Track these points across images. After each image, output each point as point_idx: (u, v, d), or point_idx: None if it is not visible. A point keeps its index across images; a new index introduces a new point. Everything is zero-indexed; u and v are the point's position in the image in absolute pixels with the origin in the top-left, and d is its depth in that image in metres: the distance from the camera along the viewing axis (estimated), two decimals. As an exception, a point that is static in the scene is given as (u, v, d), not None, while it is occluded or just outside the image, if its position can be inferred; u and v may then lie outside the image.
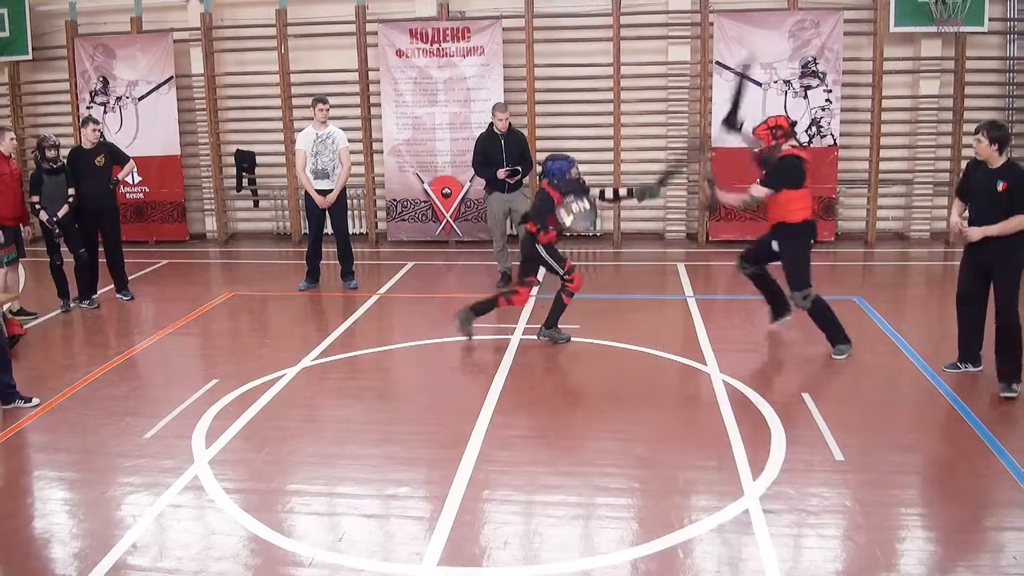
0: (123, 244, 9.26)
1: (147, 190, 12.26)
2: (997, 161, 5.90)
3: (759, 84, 10.94)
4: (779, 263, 6.99)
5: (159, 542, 4.36)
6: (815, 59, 10.90)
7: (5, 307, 7.62)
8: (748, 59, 10.39)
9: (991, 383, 6.09)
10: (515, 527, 4.49)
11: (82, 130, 8.88)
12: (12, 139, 8.36)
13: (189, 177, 12.54)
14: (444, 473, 4.98)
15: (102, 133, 9.08)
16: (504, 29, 11.33)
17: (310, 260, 9.44)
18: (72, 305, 8.78)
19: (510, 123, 9.24)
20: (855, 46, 11.11)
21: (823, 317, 6.87)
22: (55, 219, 8.42)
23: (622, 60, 11.22)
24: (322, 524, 4.59)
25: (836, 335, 6.88)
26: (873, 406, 5.94)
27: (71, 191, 8.52)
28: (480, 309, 7.36)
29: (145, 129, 12.12)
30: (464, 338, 7.36)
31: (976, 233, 5.95)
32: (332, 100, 9.49)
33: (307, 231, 9.68)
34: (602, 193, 7.38)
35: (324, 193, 9.13)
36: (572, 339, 7.36)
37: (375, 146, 11.90)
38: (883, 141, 11.20)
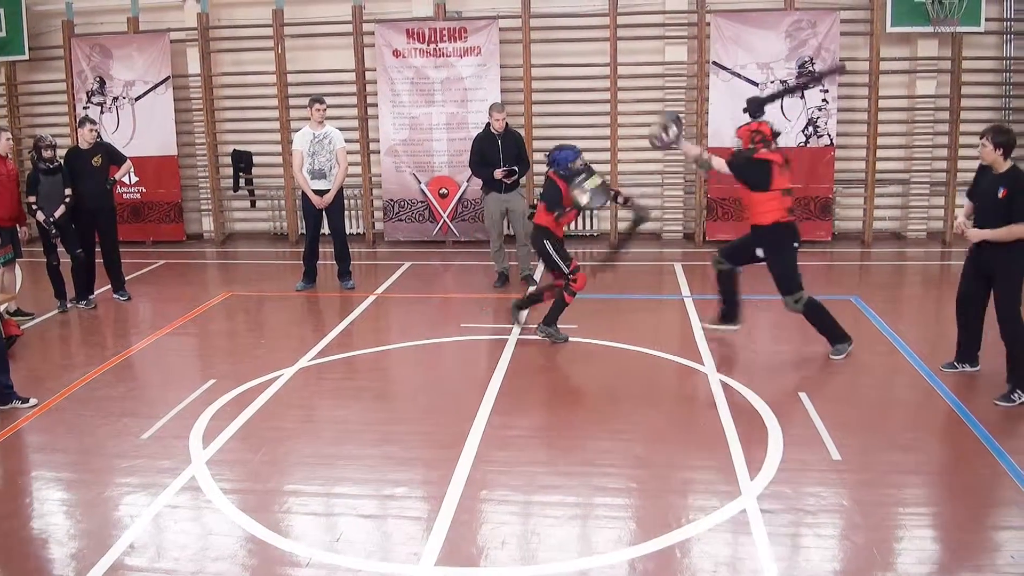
0: (120, 244, 9.24)
1: (144, 190, 12.24)
2: (1002, 166, 5.85)
3: (756, 84, 10.95)
4: (764, 266, 6.95)
5: (156, 542, 4.35)
6: (812, 59, 10.90)
7: (2, 308, 7.62)
8: (836, 66, 10.38)
9: (988, 383, 6.09)
10: (513, 527, 4.49)
11: (79, 130, 8.86)
12: (8, 139, 8.36)
13: (186, 177, 12.52)
14: (442, 473, 4.98)
15: (99, 133, 9.06)
16: (501, 29, 11.33)
17: (307, 260, 9.43)
18: (69, 305, 8.76)
19: (507, 123, 9.24)
20: (852, 46, 11.12)
21: (818, 318, 6.87)
22: (52, 219, 8.40)
23: (619, 60, 11.24)
24: (319, 524, 4.58)
25: (834, 334, 6.88)
26: (870, 406, 5.95)
27: (68, 191, 8.50)
28: (547, 310, 7.37)
29: (142, 129, 12.09)
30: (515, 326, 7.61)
31: (975, 235, 5.95)
32: (329, 100, 9.48)
33: (304, 231, 9.66)
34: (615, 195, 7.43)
35: (321, 193, 9.12)
36: (570, 339, 7.37)
37: (372, 146, 11.89)
38: (880, 141, 11.22)
